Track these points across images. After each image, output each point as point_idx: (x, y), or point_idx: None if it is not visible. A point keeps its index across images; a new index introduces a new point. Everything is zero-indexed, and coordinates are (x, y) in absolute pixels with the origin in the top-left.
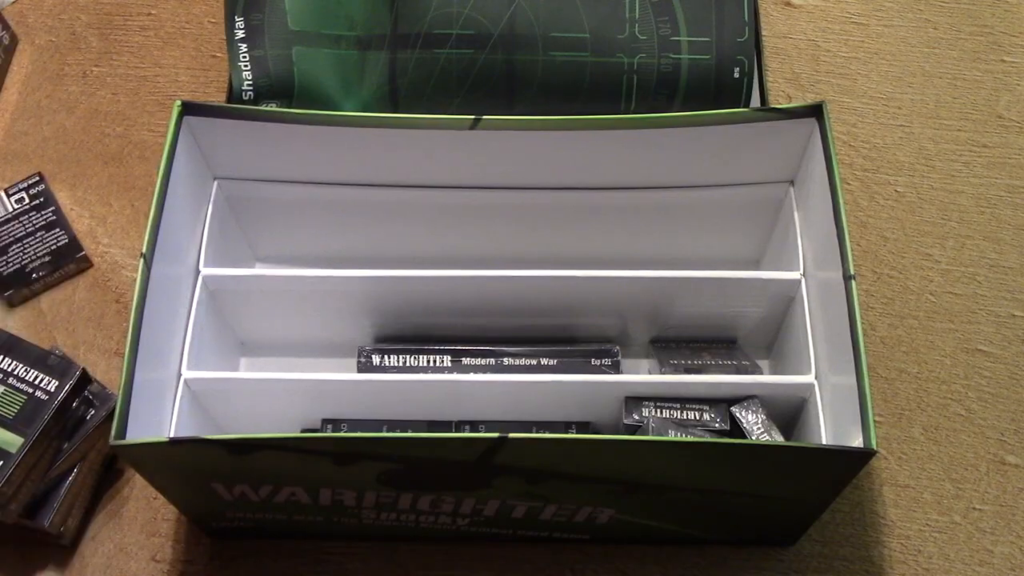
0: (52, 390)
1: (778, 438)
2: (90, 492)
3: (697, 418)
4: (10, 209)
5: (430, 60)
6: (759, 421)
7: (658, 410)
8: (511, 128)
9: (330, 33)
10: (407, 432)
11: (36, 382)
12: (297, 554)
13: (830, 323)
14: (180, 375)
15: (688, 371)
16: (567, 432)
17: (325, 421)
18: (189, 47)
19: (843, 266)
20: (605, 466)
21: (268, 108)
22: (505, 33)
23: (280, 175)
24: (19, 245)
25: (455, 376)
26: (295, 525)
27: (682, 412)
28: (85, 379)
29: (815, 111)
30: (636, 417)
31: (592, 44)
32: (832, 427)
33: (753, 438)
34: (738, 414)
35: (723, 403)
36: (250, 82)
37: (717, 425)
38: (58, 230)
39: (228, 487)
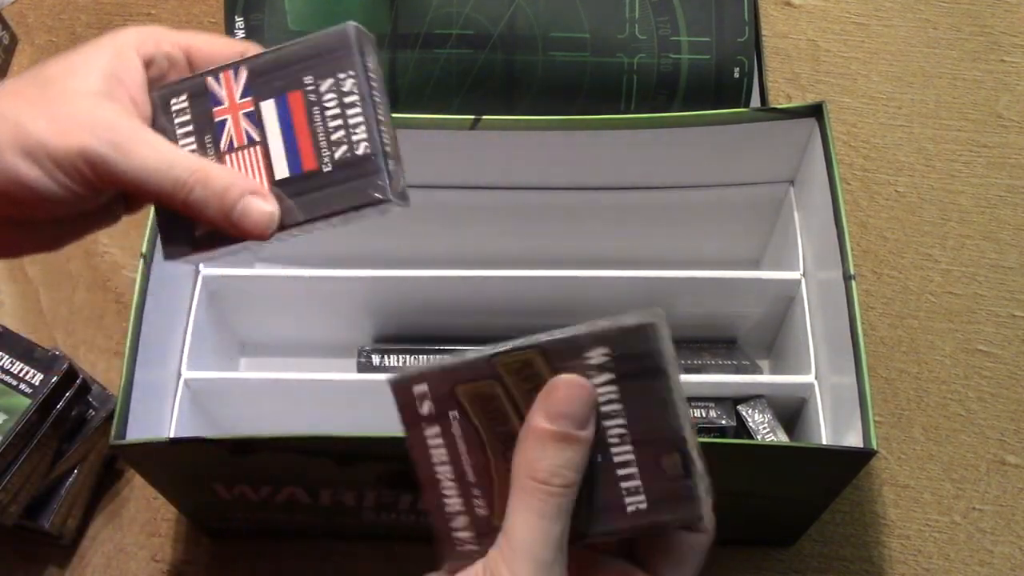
0: (37, 384)
1: (783, 438)
2: (90, 493)
3: (703, 415)
4: None
5: (430, 60)
6: (765, 420)
7: None
8: (511, 128)
9: None
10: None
11: (21, 375)
12: (297, 554)
13: (830, 323)
14: (180, 375)
15: (688, 371)
16: None
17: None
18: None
19: (843, 266)
20: None
21: None
22: (505, 33)
23: None
24: None
25: None
26: (295, 525)
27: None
28: (72, 374)
29: (815, 111)
30: None
31: (592, 44)
32: (832, 427)
33: (759, 438)
34: (744, 413)
35: (727, 401)
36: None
37: (723, 422)
38: None
39: (228, 487)
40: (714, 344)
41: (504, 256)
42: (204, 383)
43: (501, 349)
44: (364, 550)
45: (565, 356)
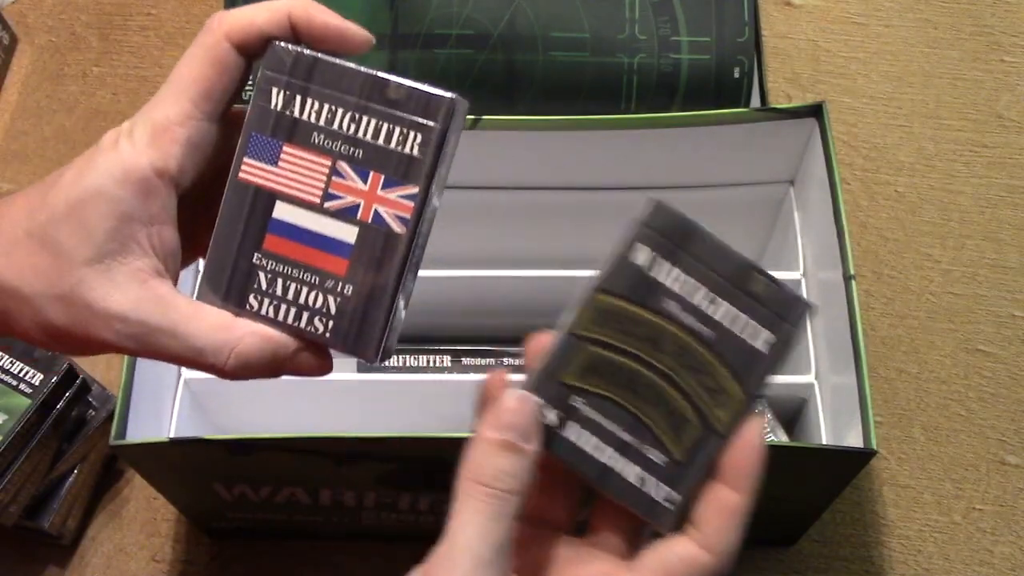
0: (37, 384)
1: (783, 438)
2: (90, 493)
3: None
4: None
5: (430, 60)
6: (765, 421)
7: None
8: (511, 128)
9: None
10: (407, 432)
11: (21, 375)
12: (297, 554)
13: (830, 323)
14: (180, 375)
15: None
16: None
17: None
18: (189, 47)
19: (843, 266)
20: None
21: None
22: (505, 33)
23: None
24: None
25: (455, 376)
26: (295, 525)
27: None
28: (72, 374)
29: (815, 111)
30: None
31: (592, 44)
32: (832, 427)
33: None
34: None
35: None
36: (250, 83)
37: None
38: None
39: (228, 487)
40: None
41: (504, 256)
42: (204, 383)
43: (571, 320)
44: (364, 550)
45: (621, 277)
